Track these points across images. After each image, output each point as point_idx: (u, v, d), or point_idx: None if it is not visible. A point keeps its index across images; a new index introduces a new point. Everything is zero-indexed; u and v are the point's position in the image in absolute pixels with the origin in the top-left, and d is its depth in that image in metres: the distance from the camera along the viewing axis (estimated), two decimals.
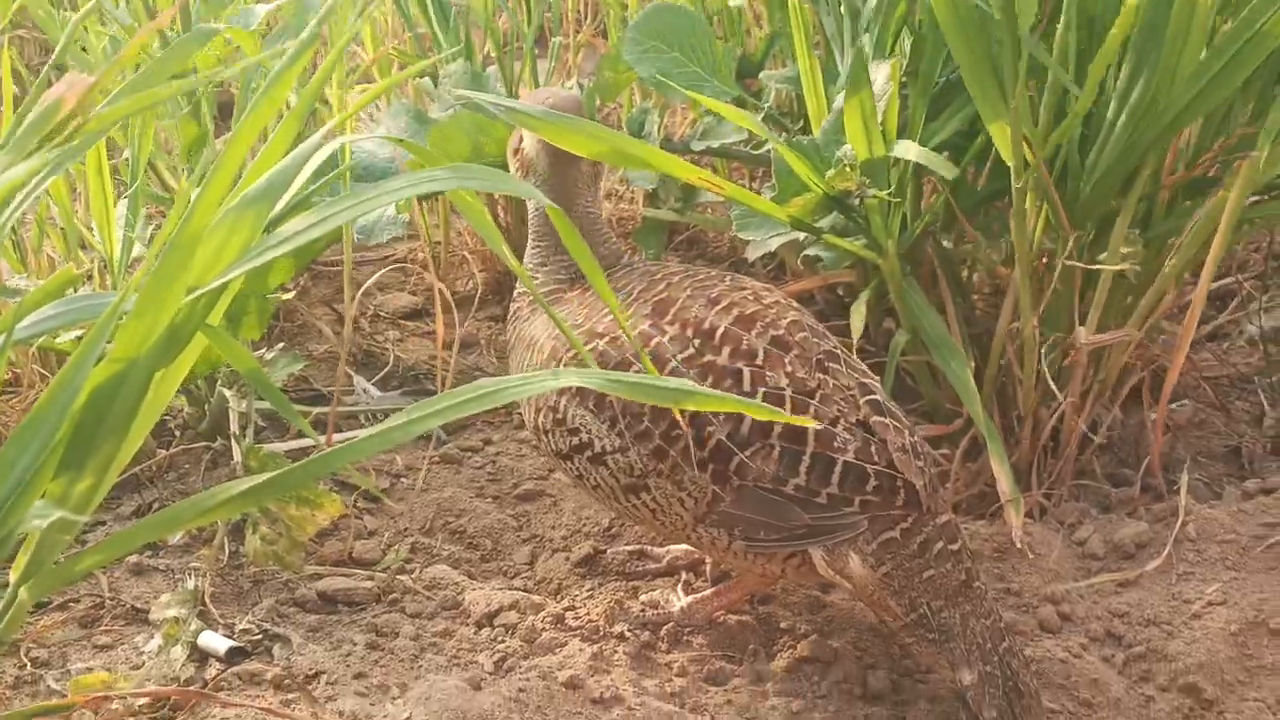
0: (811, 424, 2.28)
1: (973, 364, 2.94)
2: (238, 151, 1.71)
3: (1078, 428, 2.98)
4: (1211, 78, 2.60)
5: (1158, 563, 2.79)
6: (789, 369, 2.35)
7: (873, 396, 2.40)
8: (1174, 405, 3.34)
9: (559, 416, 2.44)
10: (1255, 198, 3.13)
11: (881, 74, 2.84)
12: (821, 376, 2.37)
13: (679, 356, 2.35)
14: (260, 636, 2.56)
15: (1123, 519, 2.94)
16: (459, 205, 2.00)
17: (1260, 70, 2.75)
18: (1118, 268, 2.81)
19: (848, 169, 2.78)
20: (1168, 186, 2.86)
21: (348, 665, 2.47)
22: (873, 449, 2.33)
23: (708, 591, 2.65)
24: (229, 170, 1.72)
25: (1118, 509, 3.01)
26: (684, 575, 2.79)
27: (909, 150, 2.79)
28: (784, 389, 2.33)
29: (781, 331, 2.40)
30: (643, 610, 2.64)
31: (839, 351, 2.46)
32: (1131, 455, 3.16)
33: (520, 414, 3.30)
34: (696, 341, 2.36)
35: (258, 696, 2.38)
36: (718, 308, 2.42)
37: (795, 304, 2.54)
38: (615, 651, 2.53)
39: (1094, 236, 2.92)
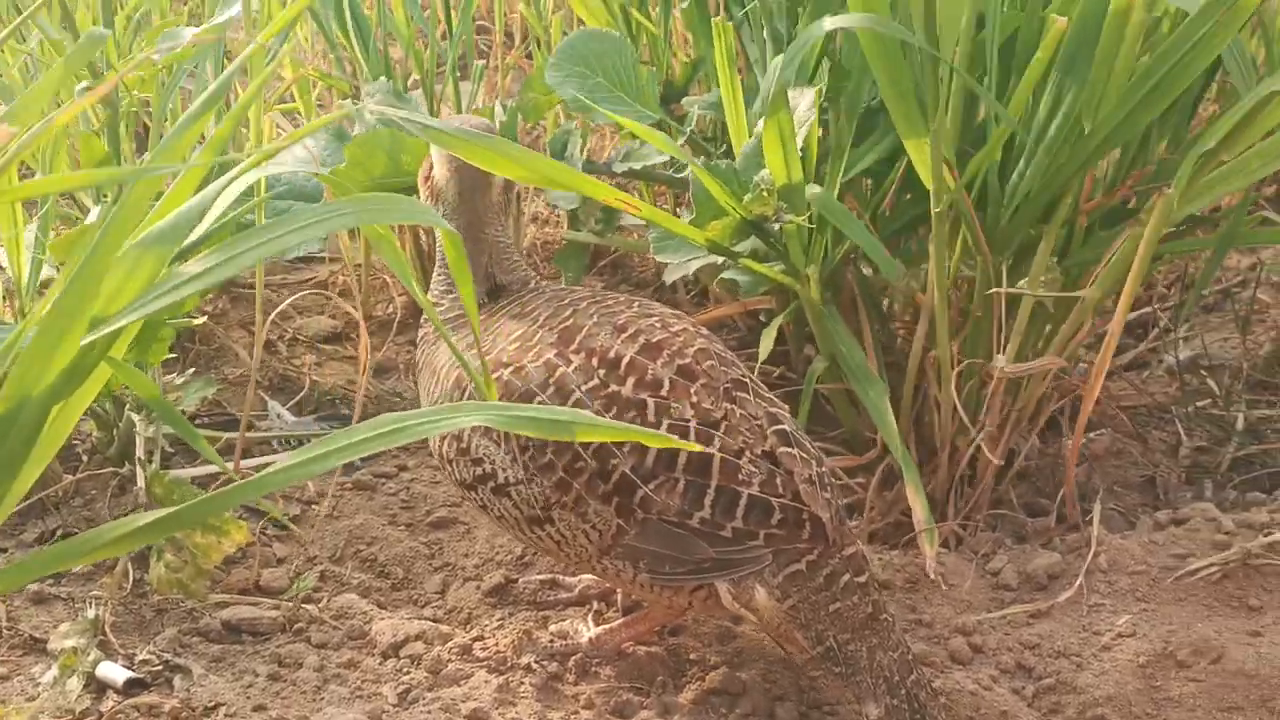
0: (696, 448, 2.23)
1: (889, 391, 2.94)
2: (148, 188, 1.68)
3: (996, 457, 2.98)
4: (1137, 104, 2.61)
5: (1069, 594, 2.79)
6: (695, 399, 2.33)
7: (780, 427, 2.37)
8: (1091, 435, 3.35)
9: (463, 446, 2.41)
10: (1171, 229, 3.18)
11: (804, 100, 2.84)
12: (728, 406, 2.35)
13: (584, 387, 2.32)
14: (160, 667, 2.52)
15: (1037, 549, 2.94)
16: (369, 236, 1.98)
17: (1181, 98, 2.77)
18: (1037, 294, 2.82)
19: (765, 194, 2.77)
20: (1085, 214, 2.87)
21: (248, 697, 2.43)
22: (778, 481, 2.31)
23: (617, 623, 2.63)
24: (138, 205, 1.68)
25: (1033, 539, 3.01)
26: (595, 605, 2.77)
27: (816, 193, 2.79)
28: (689, 420, 2.30)
29: (688, 360, 2.38)
30: (551, 641, 2.61)
31: (747, 380, 2.43)
32: (1049, 484, 3.17)
33: None
34: (601, 371, 2.34)
35: None
36: (624, 336, 2.39)
37: (704, 331, 2.51)
38: (522, 683, 2.50)
39: (1014, 263, 2.92)
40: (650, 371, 2.34)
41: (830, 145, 2.97)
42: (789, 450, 2.34)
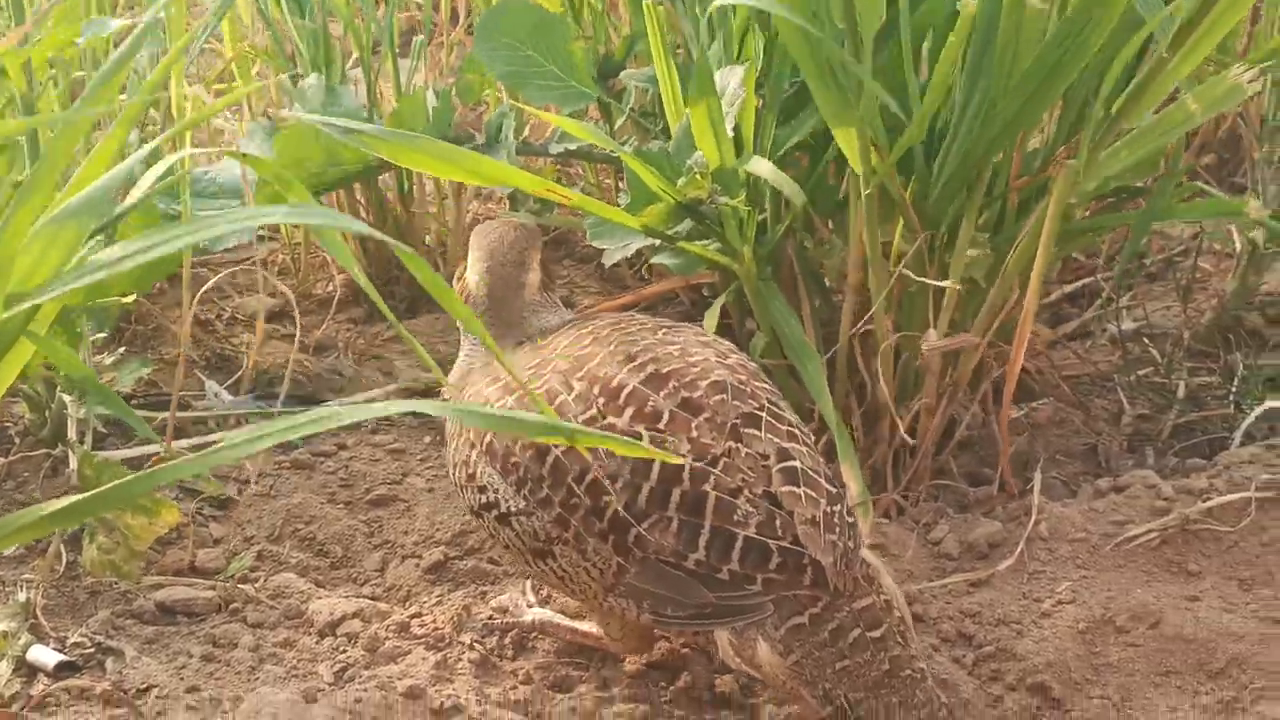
0: (677, 459, 2.17)
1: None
2: (57, 160, 1.66)
3: (933, 427, 2.98)
4: (1040, 83, 2.61)
5: (1010, 562, 2.79)
6: (694, 434, 2.22)
7: (789, 464, 2.24)
8: (1035, 404, 3.36)
9: (470, 472, 2.36)
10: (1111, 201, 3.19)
11: (734, 79, 2.82)
12: (732, 444, 2.23)
13: (580, 417, 2.24)
14: (93, 650, 2.49)
15: (978, 518, 2.95)
16: (314, 234, 1.96)
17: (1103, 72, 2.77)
18: (946, 284, 2.82)
19: (699, 177, 2.75)
20: (1015, 190, 2.87)
21: (181, 678, 2.41)
22: (777, 523, 2.18)
23: (565, 621, 2.56)
24: (48, 178, 1.66)
25: (974, 508, 3.02)
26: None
27: (759, 166, 2.78)
28: (683, 455, 2.20)
29: (698, 393, 2.26)
30: (491, 618, 2.59)
31: (764, 415, 2.29)
32: (991, 454, 3.16)
33: (374, 421, 3.27)
34: (601, 400, 2.25)
35: (85, 713, 2.31)
36: (632, 364, 2.29)
37: (732, 359, 2.39)
38: (460, 660, 2.49)
39: (948, 239, 2.92)
40: (650, 403, 2.24)
41: (761, 122, 2.95)
42: (793, 490, 2.21)
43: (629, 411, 2.24)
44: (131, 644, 2.50)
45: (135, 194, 1.80)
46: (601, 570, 2.25)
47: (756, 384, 2.36)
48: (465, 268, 2.60)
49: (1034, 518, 2.86)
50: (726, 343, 2.47)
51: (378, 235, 1.70)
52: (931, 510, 2.99)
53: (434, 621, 2.59)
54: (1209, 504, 2.85)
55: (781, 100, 2.95)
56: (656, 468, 2.19)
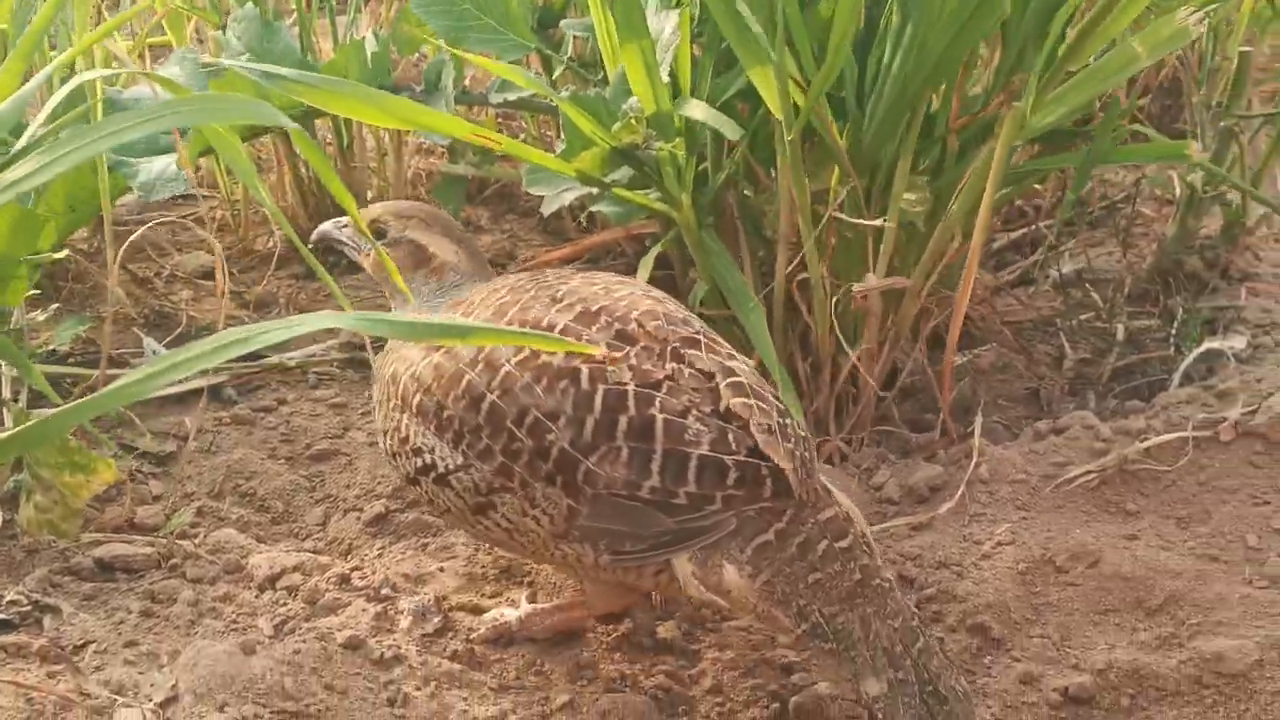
0: (596, 351, 2.15)
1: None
2: None
3: (875, 373, 2.99)
4: (969, 17, 2.60)
5: (950, 505, 2.80)
6: (633, 362, 2.20)
7: (736, 379, 2.22)
8: (977, 350, 3.38)
9: (403, 436, 2.32)
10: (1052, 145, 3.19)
11: (669, 24, 2.80)
12: (675, 366, 2.21)
13: (513, 360, 2.20)
14: (30, 608, 2.46)
15: (919, 463, 2.96)
16: (210, 138, 1.92)
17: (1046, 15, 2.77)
18: (877, 223, 2.81)
19: (633, 122, 2.73)
20: (955, 131, 2.87)
21: (119, 633, 2.39)
22: (730, 438, 2.16)
23: (548, 605, 2.51)
24: None
25: (917, 453, 3.03)
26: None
27: (694, 109, 2.76)
28: (626, 384, 2.17)
29: (630, 325, 2.24)
30: (482, 629, 2.48)
31: (701, 336, 2.28)
32: (934, 401, 3.17)
33: (316, 374, 3.25)
34: None
35: (22, 670, 2.28)
36: (559, 305, 2.27)
37: (654, 292, 2.38)
38: (400, 612, 2.48)
39: (886, 183, 2.92)
40: (585, 338, 2.22)
41: (699, 69, 2.93)
42: (744, 401, 2.19)
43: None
44: (69, 601, 2.48)
45: (42, 116, 1.75)
46: (551, 516, 2.20)
47: (686, 313, 2.35)
48: (416, 249, 2.57)
49: (974, 460, 2.87)
50: (645, 283, 2.46)
51: (292, 125, 1.67)
52: (873, 456, 3.00)
53: (375, 574, 2.58)
54: (1147, 444, 2.87)
55: (720, 48, 2.93)
56: (599, 399, 2.16)
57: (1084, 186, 3.30)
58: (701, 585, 2.19)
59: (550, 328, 2.22)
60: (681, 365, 2.21)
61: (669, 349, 2.23)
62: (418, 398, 2.29)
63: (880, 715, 2.13)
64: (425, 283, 2.55)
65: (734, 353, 2.30)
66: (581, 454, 2.16)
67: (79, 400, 1.70)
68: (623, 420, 2.15)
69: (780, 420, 2.21)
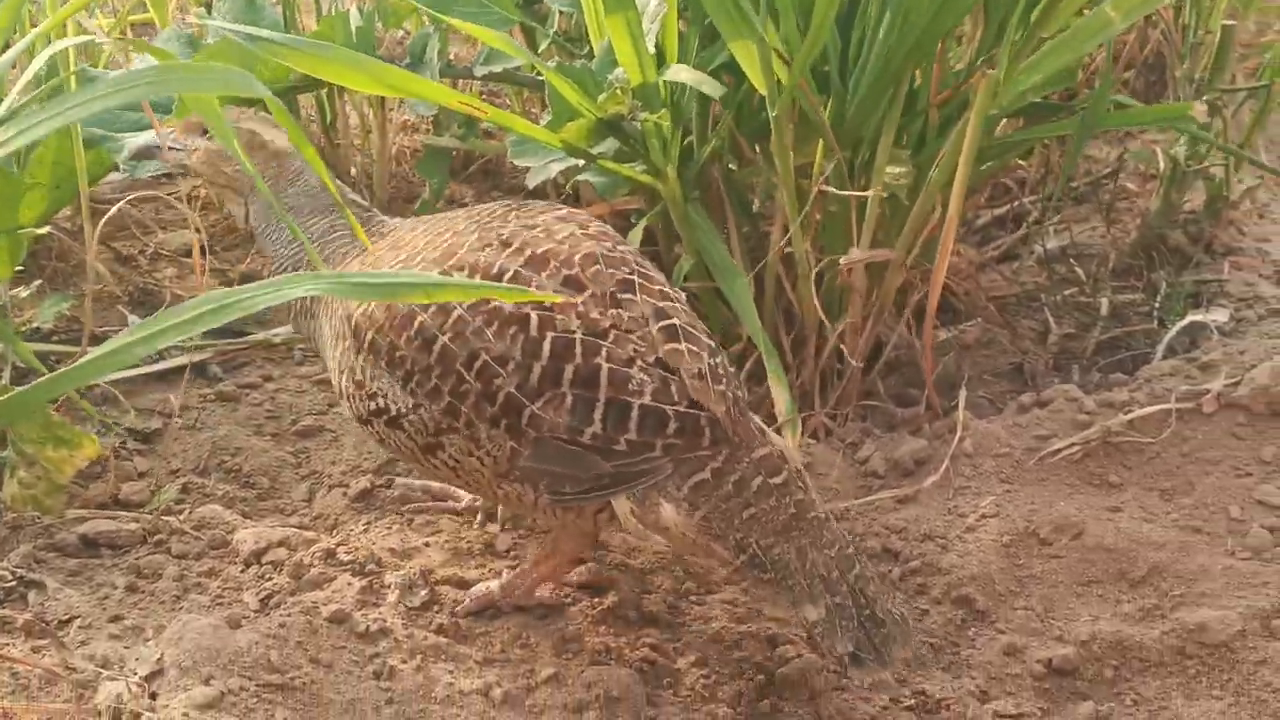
0: (556, 299, 2.19)
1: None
2: None
3: (859, 348, 2.99)
4: None
5: (935, 478, 2.81)
6: (580, 309, 2.24)
7: (668, 322, 2.28)
8: (963, 326, 3.39)
9: (358, 379, 2.35)
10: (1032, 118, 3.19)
11: None
12: (615, 312, 2.26)
13: (464, 304, 2.24)
14: (14, 583, 2.47)
15: (904, 437, 2.97)
16: (193, 105, 1.91)
17: None
18: (865, 194, 2.81)
19: (619, 93, 2.73)
20: (936, 105, 2.87)
21: (104, 608, 2.39)
22: (673, 389, 2.22)
23: (525, 565, 2.53)
24: None
25: (902, 428, 3.03)
26: (479, 517, 2.72)
27: (680, 73, 2.75)
28: (573, 332, 2.22)
29: (574, 270, 2.28)
30: (468, 602, 2.48)
31: (636, 278, 2.32)
32: (918, 376, 3.17)
33: (301, 350, 3.24)
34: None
35: (6, 644, 2.28)
36: (508, 251, 2.30)
37: (592, 227, 2.41)
38: (386, 585, 2.48)
39: (869, 157, 2.92)
40: (535, 285, 2.26)
41: (685, 40, 2.93)
42: (676, 346, 2.25)
43: None
44: (54, 577, 2.48)
45: (20, 85, 1.73)
46: (495, 457, 2.26)
47: (621, 248, 2.39)
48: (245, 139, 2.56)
49: (959, 434, 2.88)
50: (582, 214, 2.49)
51: (267, 94, 1.67)
52: (858, 430, 3.01)
53: (360, 548, 2.57)
54: (1130, 416, 2.88)
55: (705, 21, 2.92)
56: (548, 346, 2.21)
57: (1080, 153, 3.29)
58: (640, 523, 2.26)
59: (502, 273, 2.27)
60: (620, 310, 2.27)
61: (608, 294, 2.28)
62: (370, 335, 2.32)
63: (820, 638, 2.23)
64: (265, 170, 2.55)
65: (665, 287, 2.36)
66: (527, 399, 2.22)
67: (59, 371, 1.69)
68: (569, 369, 2.22)
69: (711, 361, 2.28)
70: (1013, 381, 3.30)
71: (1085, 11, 2.73)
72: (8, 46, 1.75)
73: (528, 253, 2.30)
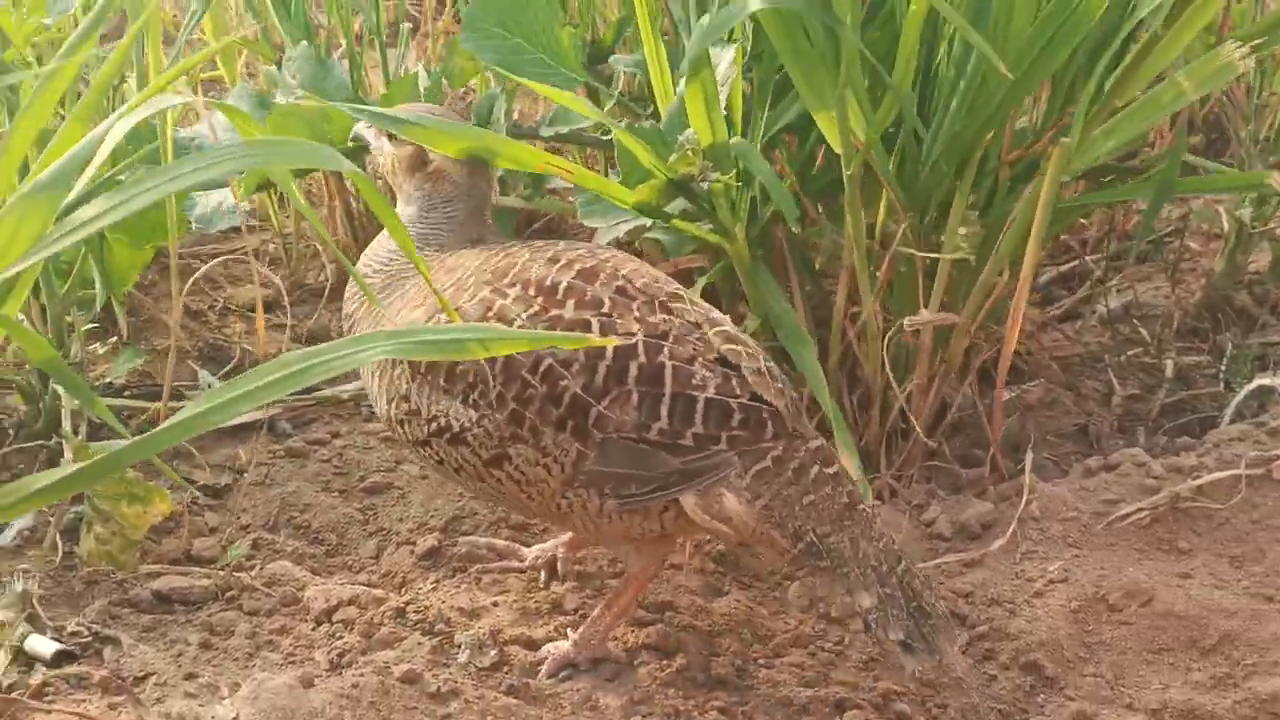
0: (613, 342, 2.24)
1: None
2: (20, 140, 1.66)
3: (925, 409, 2.99)
4: (1033, 61, 2.62)
5: (1002, 542, 2.81)
6: (638, 314, 2.33)
7: (722, 327, 2.39)
8: (1026, 386, 3.37)
9: (413, 407, 2.39)
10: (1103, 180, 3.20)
11: (725, 59, 2.83)
12: (668, 318, 2.35)
13: (524, 315, 2.32)
14: (90, 639, 2.49)
15: (970, 499, 2.96)
16: (279, 182, 1.95)
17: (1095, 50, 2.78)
18: (933, 255, 2.82)
19: (690, 154, 2.76)
20: (1007, 166, 2.88)
21: (179, 665, 2.42)
22: (734, 383, 2.31)
23: (594, 613, 2.53)
24: (12, 159, 1.66)
25: (967, 489, 3.03)
26: (542, 575, 2.73)
27: (744, 149, 2.78)
28: (635, 334, 2.30)
29: (624, 281, 2.38)
30: (536, 665, 2.49)
31: (682, 292, 2.44)
32: (983, 436, 3.17)
33: (369, 407, 3.26)
34: (540, 299, 2.34)
35: (84, 701, 2.31)
36: (558, 265, 2.39)
37: (632, 256, 2.53)
38: (456, 646, 2.49)
39: (938, 217, 2.93)
40: (589, 293, 2.35)
41: (751, 103, 2.96)
42: (735, 347, 2.35)
43: (570, 303, 2.34)
44: (129, 632, 2.50)
45: (105, 150, 1.76)
46: (561, 463, 2.31)
47: (661, 274, 2.48)
48: (417, 151, 2.61)
49: (1025, 498, 2.88)
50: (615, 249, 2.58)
51: (355, 169, 1.71)
52: (924, 492, 3.00)
53: (430, 607, 2.59)
54: (1199, 481, 2.87)
55: (772, 82, 2.95)
56: (611, 348, 2.28)
57: (1156, 216, 3.30)
58: (705, 513, 2.31)
59: (555, 286, 2.35)
60: (673, 317, 2.36)
61: (659, 302, 2.37)
62: (424, 362, 2.36)
63: (874, 625, 2.31)
64: (420, 187, 2.62)
65: (711, 308, 2.47)
66: (593, 398, 2.28)
67: (144, 435, 1.73)
68: (633, 366, 2.29)
69: (766, 364, 2.37)
70: (1077, 443, 3.29)
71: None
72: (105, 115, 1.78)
73: (577, 267, 2.39)
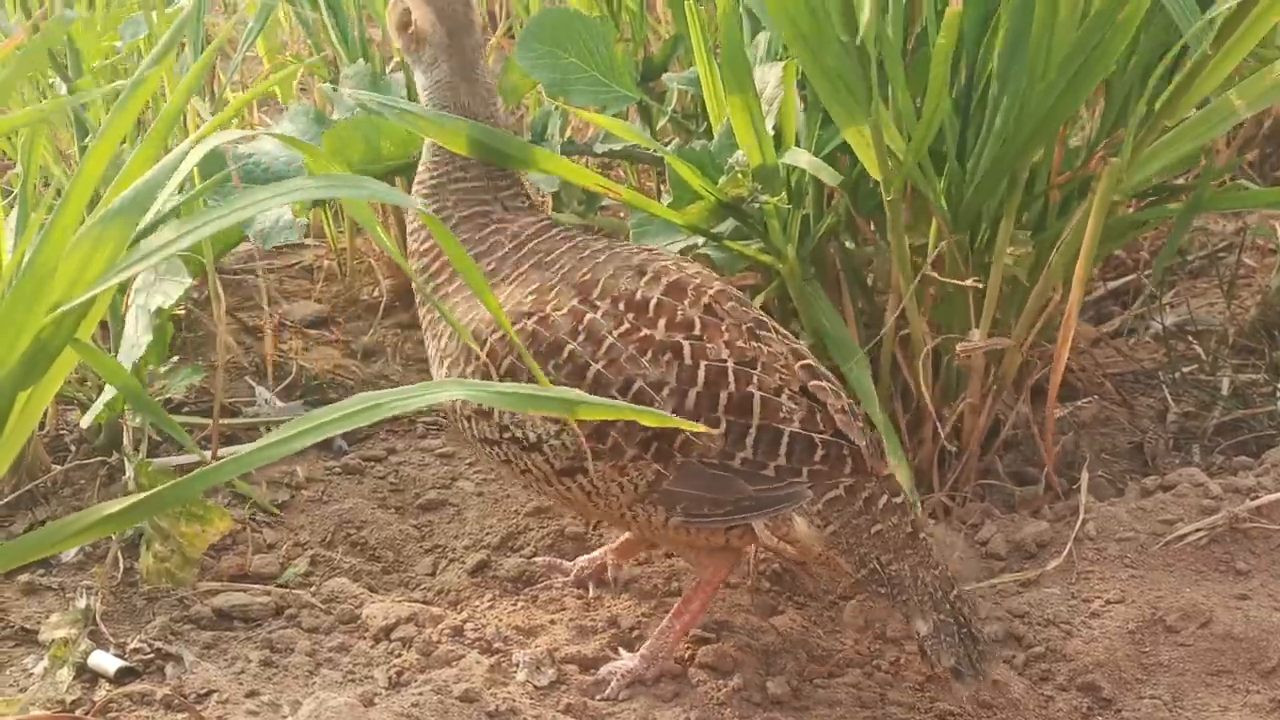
0: (696, 427, 2.17)
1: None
2: (95, 165, 1.68)
3: (978, 428, 2.98)
4: (1072, 79, 2.60)
5: (1058, 562, 2.80)
6: (727, 338, 2.34)
7: (806, 361, 2.39)
8: (1079, 403, 3.36)
9: (484, 409, 2.39)
10: (1151, 197, 3.19)
11: (773, 77, 2.83)
12: (756, 345, 2.35)
13: (615, 332, 2.31)
14: (152, 655, 2.52)
15: (1025, 518, 2.95)
16: (350, 211, 1.97)
17: (1146, 70, 2.77)
18: (968, 283, 2.81)
19: (739, 175, 2.77)
20: (1057, 186, 2.87)
21: (240, 683, 2.44)
22: (818, 418, 2.32)
23: (660, 626, 2.52)
24: (86, 184, 1.69)
25: (1021, 508, 3.02)
26: (590, 589, 2.74)
27: (799, 157, 2.78)
28: (725, 360, 2.31)
29: (712, 300, 2.39)
30: (601, 681, 2.49)
31: (766, 319, 2.44)
32: (1036, 454, 3.16)
33: (425, 423, 3.28)
34: (630, 315, 2.33)
35: (148, 718, 2.34)
36: (645, 278, 2.39)
37: (714, 273, 2.53)
38: (514, 664, 2.50)
39: (989, 237, 2.92)
40: (680, 312, 2.35)
41: (804, 122, 2.96)
42: (820, 383, 2.36)
43: (662, 322, 2.33)
44: (190, 649, 2.53)
45: (175, 180, 1.79)
46: (636, 482, 2.32)
47: (741, 294, 2.48)
48: (404, 12, 2.56)
49: (1081, 517, 2.87)
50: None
51: (415, 204, 1.72)
52: (978, 511, 2.99)
53: (487, 625, 2.60)
54: (1257, 502, 2.85)
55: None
56: (702, 373, 2.29)
57: (1183, 238, 3.28)
58: (773, 534, 2.35)
59: (645, 302, 2.35)
60: (760, 345, 2.36)
61: (746, 328, 2.38)
62: (508, 361, 2.35)
63: (929, 652, 2.36)
64: (409, 49, 2.58)
65: (791, 337, 2.47)
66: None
67: (218, 462, 1.75)
68: (723, 395, 2.29)
69: (848, 402, 2.39)
70: (1132, 461, 3.27)
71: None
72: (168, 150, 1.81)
73: (664, 281, 2.39)
